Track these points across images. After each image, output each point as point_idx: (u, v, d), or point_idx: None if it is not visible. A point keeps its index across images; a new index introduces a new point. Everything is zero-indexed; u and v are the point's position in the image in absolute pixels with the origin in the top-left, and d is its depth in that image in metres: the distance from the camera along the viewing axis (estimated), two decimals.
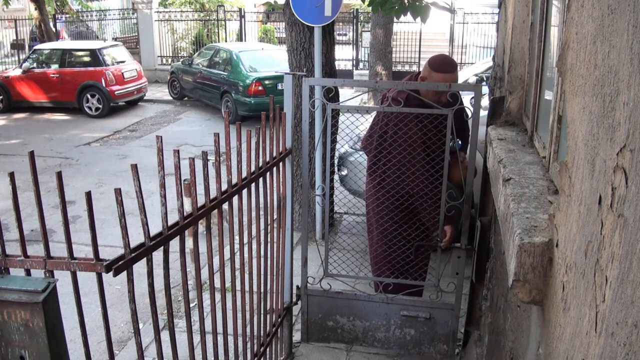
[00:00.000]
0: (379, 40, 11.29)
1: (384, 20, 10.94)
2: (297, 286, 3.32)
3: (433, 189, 3.13)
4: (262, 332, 2.85)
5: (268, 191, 2.70)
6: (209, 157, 2.30)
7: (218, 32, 16.55)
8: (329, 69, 4.97)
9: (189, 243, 3.30)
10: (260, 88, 10.20)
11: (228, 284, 2.48)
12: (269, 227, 2.77)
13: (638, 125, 0.82)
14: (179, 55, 16.23)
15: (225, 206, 2.38)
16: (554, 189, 1.69)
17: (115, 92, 11.46)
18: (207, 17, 17.31)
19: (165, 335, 2.80)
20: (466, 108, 3.03)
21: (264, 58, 11.23)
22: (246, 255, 2.55)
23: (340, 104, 3.11)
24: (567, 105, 1.35)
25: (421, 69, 3.25)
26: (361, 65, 15.21)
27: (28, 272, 1.60)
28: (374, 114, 3.45)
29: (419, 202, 3.21)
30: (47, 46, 12.38)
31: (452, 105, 2.78)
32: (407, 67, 14.56)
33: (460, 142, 3.10)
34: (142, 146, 9.20)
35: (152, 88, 14.23)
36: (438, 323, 3.25)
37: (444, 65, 3.04)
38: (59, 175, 1.51)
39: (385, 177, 3.26)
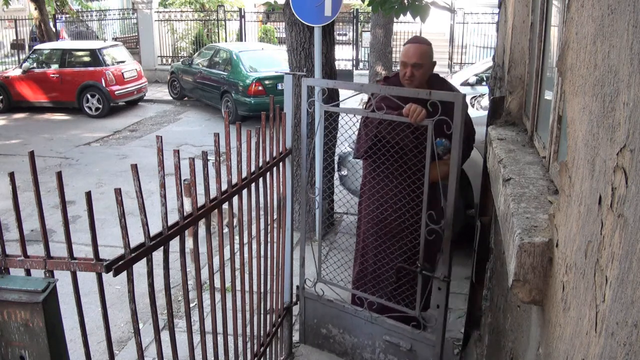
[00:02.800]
0: (379, 40, 11.30)
1: (384, 20, 10.94)
2: (297, 286, 3.32)
3: (415, 206, 2.84)
4: (262, 332, 2.85)
5: (268, 191, 2.70)
6: (209, 157, 2.30)
7: (218, 32, 16.55)
8: (329, 69, 4.98)
9: (189, 243, 3.30)
10: (260, 88, 10.20)
11: (228, 284, 2.48)
12: (269, 227, 2.77)
13: (638, 125, 0.82)
14: (179, 55, 16.23)
15: (226, 206, 2.38)
16: (554, 189, 1.69)
17: (115, 92, 11.47)
18: (207, 17, 17.32)
19: (165, 335, 2.80)
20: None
21: (264, 58, 11.23)
22: (246, 255, 2.55)
23: (331, 105, 3.03)
24: (567, 105, 1.35)
25: None
26: (361, 65, 15.23)
27: (28, 272, 1.60)
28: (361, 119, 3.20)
29: (397, 222, 2.99)
30: (47, 46, 12.38)
31: (433, 115, 2.51)
32: None
33: (445, 142, 2.84)
34: (142, 146, 9.20)
35: (152, 88, 14.23)
36: (419, 357, 2.91)
37: (409, 39, 3.03)
38: (59, 175, 1.51)
39: (366, 190, 3.10)
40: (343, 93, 5.78)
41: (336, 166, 5.38)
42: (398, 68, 3.17)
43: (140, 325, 1.83)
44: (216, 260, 4.05)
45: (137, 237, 1.73)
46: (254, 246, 2.66)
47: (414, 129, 2.78)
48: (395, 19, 10.72)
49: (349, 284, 3.35)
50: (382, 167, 2.96)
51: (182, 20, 16.78)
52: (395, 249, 3.03)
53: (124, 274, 1.64)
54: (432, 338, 2.83)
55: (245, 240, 2.56)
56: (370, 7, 4.52)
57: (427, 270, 2.74)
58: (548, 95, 2.04)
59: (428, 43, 2.99)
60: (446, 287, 2.69)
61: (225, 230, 4.60)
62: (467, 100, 5.78)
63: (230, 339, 2.45)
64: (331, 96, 5.05)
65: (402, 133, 2.80)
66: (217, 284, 3.73)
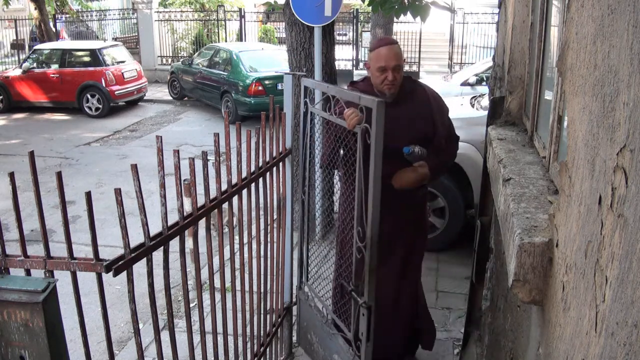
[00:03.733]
0: None
1: (384, 20, 10.95)
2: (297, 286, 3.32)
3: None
4: (262, 332, 2.85)
5: (268, 191, 2.70)
6: (208, 157, 2.30)
7: (218, 32, 16.55)
8: (329, 69, 4.97)
9: (189, 243, 3.30)
10: (260, 88, 10.21)
11: (228, 284, 2.48)
12: (268, 227, 2.77)
13: (638, 125, 0.82)
14: (179, 55, 16.23)
15: (225, 206, 2.38)
16: (554, 189, 1.69)
17: (115, 92, 11.46)
18: (207, 17, 17.31)
19: (165, 335, 2.79)
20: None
21: (264, 58, 11.24)
22: (246, 255, 2.55)
23: (315, 106, 2.95)
24: (567, 105, 1.35)
25: (421, 69, 3.18)
26: (361, 65, 15.21)
27: (28, 272, 1.60)
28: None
29: (344, 234, 2.80)
30: (47, 46, 12.38)
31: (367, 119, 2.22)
32: (407, 67, 14.56)
33: (412, 149, 2.65)
34: (142, 146, 9.20)
35: (152, 88, 14.23)
36: None
37: (377, 42, 2.75)
38: (59, 175, 1.51)
39: (340, 200, 2.96)
40: None
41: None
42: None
43: (140, 325, 1.83)
44: (216, 260, 4.05)
45: (137, 237, 1.73)
46: (254, 246, 2.66)
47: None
48: (395, 19, 10.72)
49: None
50: (342, 174, 2.77)
51: (182, 20, 16.78)
52: (343, 262, 2.85)
53: (124, 274, 1.64)
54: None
55: (245, 240, 2.56)
56: (370, 7, 4.53)
57: (358, 292, 2.45)
58: (548, 95, 2.04)
59: (396, 42, 2.79)
60: (368, 313, 2.35)
61: (225, 230, 4.60)
62: (467, 100, 5.79)
63: (230, 339, 2.45)
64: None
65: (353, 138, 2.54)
66: (217, 284, 3.72)
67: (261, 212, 2.66)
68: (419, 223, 3.02)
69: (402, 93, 2.76)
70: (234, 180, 2.39)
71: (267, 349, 2.93)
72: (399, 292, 2.94)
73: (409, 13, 4.22)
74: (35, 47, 12.44)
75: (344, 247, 2.93)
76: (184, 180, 3.57)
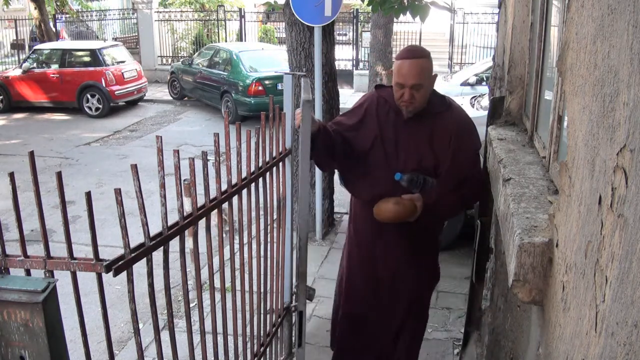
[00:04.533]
0: (379, 40, 11.30)
1: (384, 20, 10.95)
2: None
3: None
4: (262, 332, 2.84)
5: (268, 191, 2.70)
6: (208, 157, 2.30)
7: (218, 32, 16.55)
8: (329, 69, 4.98)
9: (189, 243, 3.30)
10: (260, 88, 10.21)
11: (228, 284, 2.48)
12: (269, 227, 2.77)
13: (638, 125, 0.82)
14: (179, 55, 16.23)
15: (225, 206, 2.38)
16: (554, 189, 1.69)
17: (115, 92, 11.47)
18: (207, 17, 17.32)
19: (165, 335, 2.79)
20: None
21: (264, 58, 11.24)
22: (246, 255, 2.55)
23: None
24: (567, 105, 1.36)
25: None
26: (361, 65, 15.21)
27: (28, 272, 1.60)
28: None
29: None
30: (47, 46, 12.39)
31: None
32: None
33: (409, 176, 2.40)
34: (142, 146, 9.20)
35: (152, 88, 14.22)
36: None
37: (403, 52, 2.44)
38: (59, 175, 1.51)
39: None
40: (343, 94, 5.77)
41: None
42: None
43: (140, 325, 1.83)
44: (216, 260, 4.05)
45: (137, 237, 1.73)
46: (254, 246, 2.66)
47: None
48: (395, 19, 10.72)
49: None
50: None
51: (182, 20, 16.78)
52: None
53: (124, 274, 1.64)
54: None
55: (245, 240, 2.56)
56: (370, 7, 4.53)
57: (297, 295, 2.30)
58: (548, 95, 2.04)
59: (426, 54, 2.40)
60: (298, 318, 2.22)
61: (226, 228, 4.60)
62: (467, 100, 5.78)
63: (230, 339, 2.45)
64: (331, 97, 5.06)
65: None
66: (217, 284, 3.72)
67: (261, 212, 2.66)
68: (421, 263, 2.66)
69: (427, 112, 2.45)
70: (234, 180, 2.39)
71: (267, 349, 2.93)
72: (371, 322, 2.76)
73: (408, 13, 4.22)
74: (35, 47, 12.44)
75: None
76: (184, 180, 3.57)
